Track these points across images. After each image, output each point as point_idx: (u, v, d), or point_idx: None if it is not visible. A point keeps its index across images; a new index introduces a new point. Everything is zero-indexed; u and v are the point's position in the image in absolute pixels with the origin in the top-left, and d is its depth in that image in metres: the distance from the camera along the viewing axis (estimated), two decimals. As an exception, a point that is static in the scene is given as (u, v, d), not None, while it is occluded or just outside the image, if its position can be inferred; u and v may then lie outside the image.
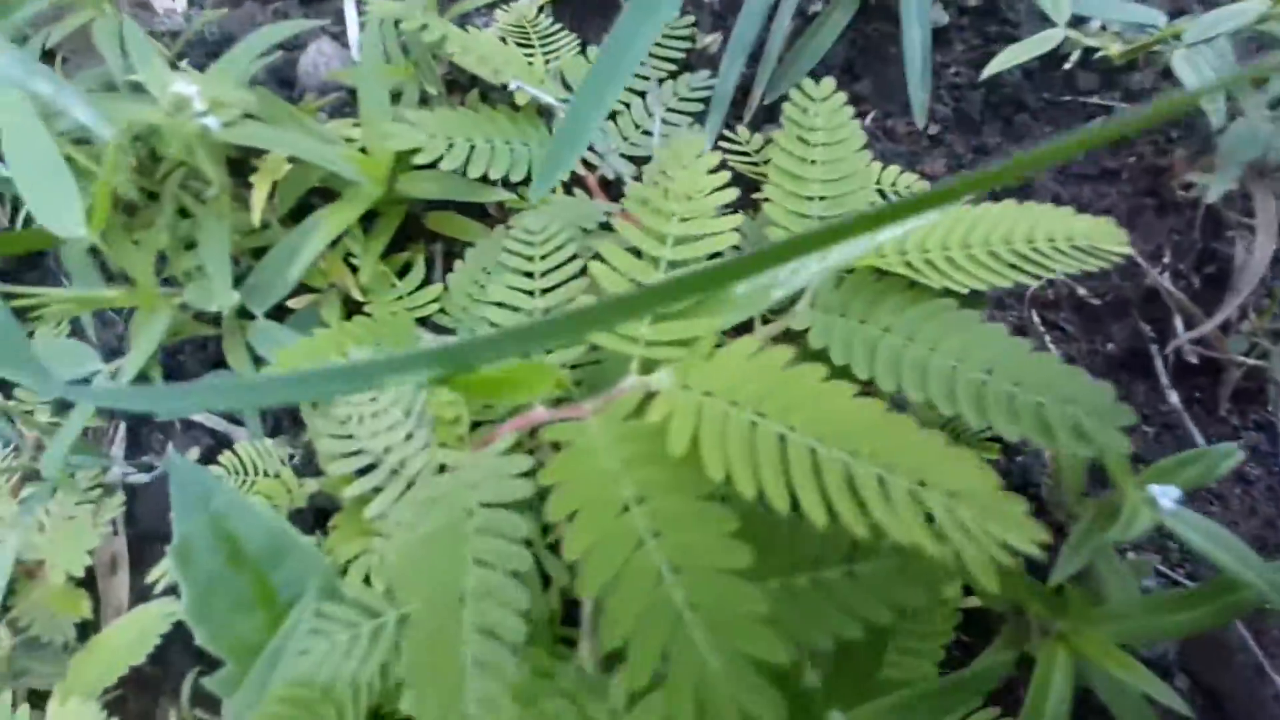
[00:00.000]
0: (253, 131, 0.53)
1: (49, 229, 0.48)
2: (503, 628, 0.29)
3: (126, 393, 0.37)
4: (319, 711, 0.38)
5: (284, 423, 0.68)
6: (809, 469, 0.30)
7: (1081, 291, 0.66)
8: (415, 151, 0.55)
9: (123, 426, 0.71)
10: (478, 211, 0.67)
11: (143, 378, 0.63)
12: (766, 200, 0.50)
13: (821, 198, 0.49)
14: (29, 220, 0.62)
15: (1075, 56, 0.68)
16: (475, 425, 0.47)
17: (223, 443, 0.67)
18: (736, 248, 0.44)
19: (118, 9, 0.67)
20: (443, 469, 0.42)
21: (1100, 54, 0.66)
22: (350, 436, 0.49)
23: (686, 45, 0.73)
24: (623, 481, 0.32)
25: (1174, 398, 0.64)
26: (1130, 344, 0.68)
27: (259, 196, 0.56)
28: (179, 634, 0.60)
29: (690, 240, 0.45)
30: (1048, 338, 0.66)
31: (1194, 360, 0.66)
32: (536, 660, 0.35)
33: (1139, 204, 0.68)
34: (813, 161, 0.51)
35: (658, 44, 0.72)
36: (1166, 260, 0.67)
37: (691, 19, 0.75)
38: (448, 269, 0.64)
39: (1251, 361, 0.65)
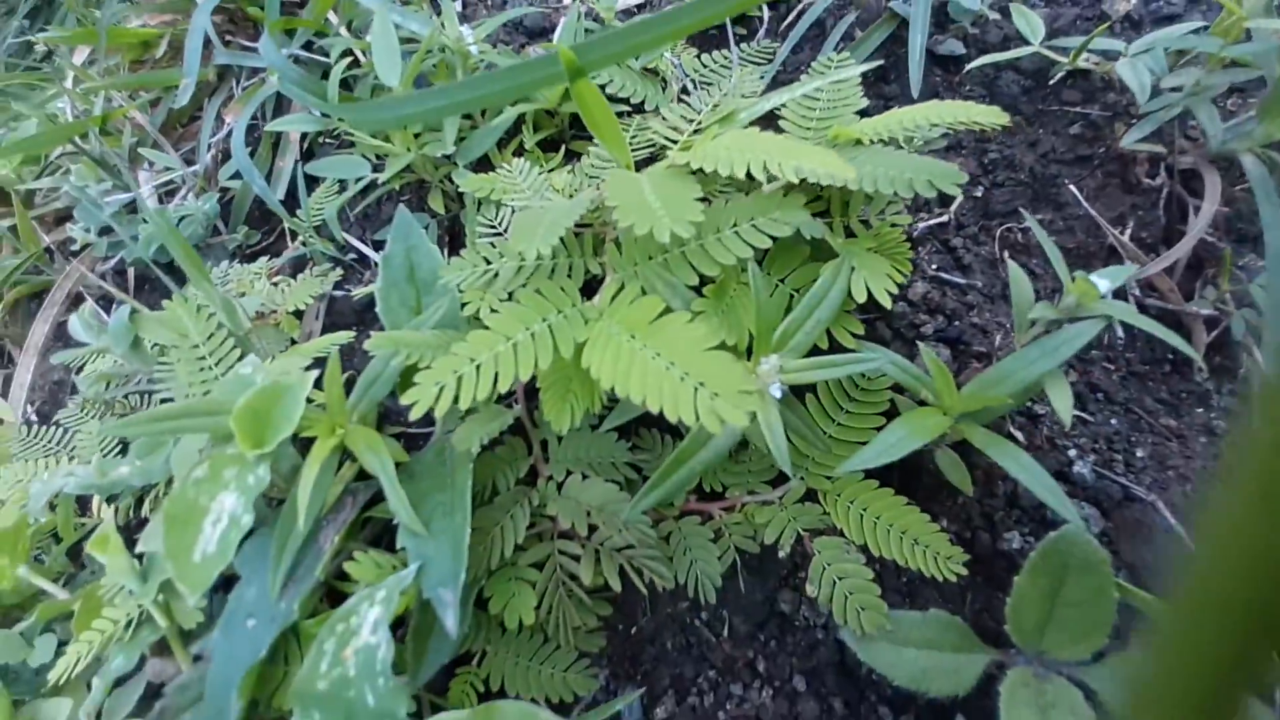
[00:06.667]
0: (492, 58, 0.89)
1: (384, 82, 0.84)
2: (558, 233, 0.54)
3: (373, 104, 0.69)
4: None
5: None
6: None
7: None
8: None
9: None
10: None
11: (388, 186, 0.99)
12: (782, 119, 0.76)
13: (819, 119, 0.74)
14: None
15: (1059, 75, 0.89)
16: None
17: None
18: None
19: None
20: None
21: (1080, 69, 0.87)
22: (493, 227, 0.78)
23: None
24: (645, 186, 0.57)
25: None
26: (1093, 289, 0.82)
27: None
28: (346, 364, 0.89)
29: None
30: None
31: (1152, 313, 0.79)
32: (570, 289, 0.60)
33: (1106, 183, 0.85)
34: (816, 98, 0.76)
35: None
36: (1129, 226, 0.83)
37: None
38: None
39: (1208, 312, 0.77)
